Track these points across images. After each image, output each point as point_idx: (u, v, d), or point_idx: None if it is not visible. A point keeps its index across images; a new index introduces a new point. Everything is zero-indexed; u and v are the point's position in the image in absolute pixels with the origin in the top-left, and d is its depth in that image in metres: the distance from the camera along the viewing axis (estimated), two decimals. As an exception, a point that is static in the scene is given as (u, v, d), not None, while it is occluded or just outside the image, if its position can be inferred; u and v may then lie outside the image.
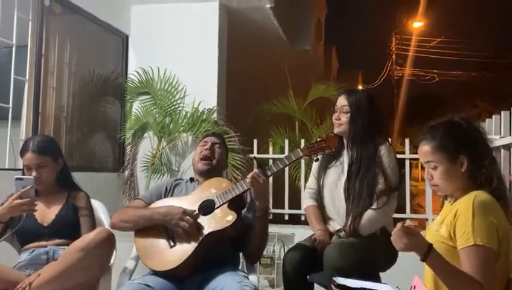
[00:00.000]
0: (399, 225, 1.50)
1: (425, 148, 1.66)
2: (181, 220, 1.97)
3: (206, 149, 2.29)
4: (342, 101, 2.32)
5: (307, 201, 2.44)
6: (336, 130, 2.34)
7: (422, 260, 1.50)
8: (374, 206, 2.16)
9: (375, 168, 2.19)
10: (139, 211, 2.13)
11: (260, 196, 2.04)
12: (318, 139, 2.21)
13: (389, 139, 2.42)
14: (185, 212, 2.00)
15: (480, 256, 1.48)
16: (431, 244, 1.50)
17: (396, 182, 2.23)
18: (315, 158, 2.21)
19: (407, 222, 1.54)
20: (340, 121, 2.31)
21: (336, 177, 2.29)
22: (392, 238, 1.52)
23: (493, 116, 2.72)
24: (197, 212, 2.05)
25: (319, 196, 2.39)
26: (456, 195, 1.67)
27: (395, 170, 2.22)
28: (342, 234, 2.19)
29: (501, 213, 1.55)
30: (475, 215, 1.51)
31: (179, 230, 1.98)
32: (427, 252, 1.48)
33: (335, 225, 2.27)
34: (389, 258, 2.17)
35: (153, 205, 2.16)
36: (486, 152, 1.64)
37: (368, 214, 2.16)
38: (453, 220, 1.57)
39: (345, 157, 2.30)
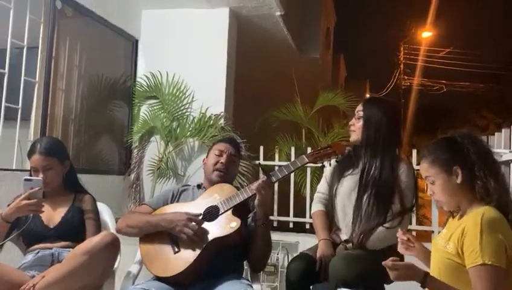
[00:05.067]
0: (388, 261, 1.58)
1: (423, 165, 1.72)
2: (185, 227, 1.97)
3: (222, 162, 2.23)
4: (359, 107, 2.26)
5: (315, 205, 2.38)
6: (351, 138, 2.27)
7: (422, 286, 1.56)
8: (387, 225, 2.10)
9: (392, 185, 2.12)
10: (145, 217, 2.13)
11: (264, 204, 2.04)
12: (324, 145, 2.17)
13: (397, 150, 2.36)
14: (190, 219, 1.99)
15: (489, 275, 1.47)
16: (426, 273, 1.56)
17: (413, 202, 2.18)
18: (320, 164, 2.19)
19: (389, 262, 1.59)
20: (354, 127, 2.25)
21: (352, 186, 2.21)
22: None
23: (502, 130, 2.70)
24: (201, 218, 2.04)
25: (329, 202, 2.32)
26: (462, 210, 1.66)
27: (413, 190, 2.17)
28: (349, 245, 2.16)
29: (510, 230, 1.54)
30: (483, 233, 1.50)
31: (183, 237, 1.98)
32: (424, 280, 1.55)
33: (342, 236, 2.23)
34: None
35: (158, 211, 2.17)
36: (483, 163, 1.62)
37: (380, 231, 2.10)
38: (460, 238, 1.56)
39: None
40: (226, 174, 2.24)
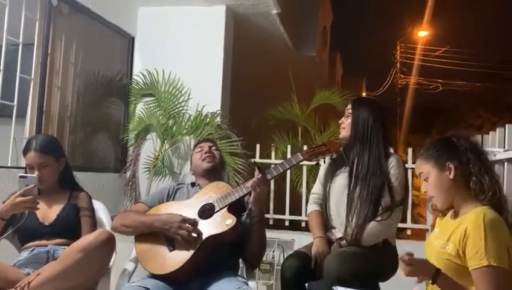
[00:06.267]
0: (404, 256, 1.55)
1: (418, 161, 1.77)
2: (180, 229, 1.98)
3: (206, 152, 2.32)
4: (348, 106, 2.38)
5: (310, 206, 2.42)
6: (341, 135, 2.37)
7: (432, 282, 1.54)
8: (378, 219, 2.14)
9: (382, 179, 2.17)
10: (140, 217, 2.13)
11: (259, 201, 2.05)
12: (319, 143, 2.22)
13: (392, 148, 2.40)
14: (184, 220, 2.00)
15: (494, 277, 1.48)
16: (438, 269, 1.54)
17: (403, 196, 2.21)
18: (315, 162, 2.22)
19: (406, 257, 1.56)
20: (344, 124, 2.35)
21: (344, 184, 2.25)
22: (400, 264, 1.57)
23: (497, 129, 2.71)
24: (196, 217, 2.05)
25: (323, 202, 2.35)
26: (456, 208, 1.67)
27: (403, 184, 2.21)
28: (343, 242, 2.18)
29: (507, 230, 1.55)
30: (487, 235, 1.50)
31: (178, 238, 1.99)
32: (435, 277, 1.53)
33: (337, 233, 2.24)
34: (389, 268, 2.16)
35: (153, 210, 2.17)
36: (478, 160, 1.64)
37: (372, 226, 2.13)
38: (462, 239, 1.56)
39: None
40: (214, 159, 2.31)
